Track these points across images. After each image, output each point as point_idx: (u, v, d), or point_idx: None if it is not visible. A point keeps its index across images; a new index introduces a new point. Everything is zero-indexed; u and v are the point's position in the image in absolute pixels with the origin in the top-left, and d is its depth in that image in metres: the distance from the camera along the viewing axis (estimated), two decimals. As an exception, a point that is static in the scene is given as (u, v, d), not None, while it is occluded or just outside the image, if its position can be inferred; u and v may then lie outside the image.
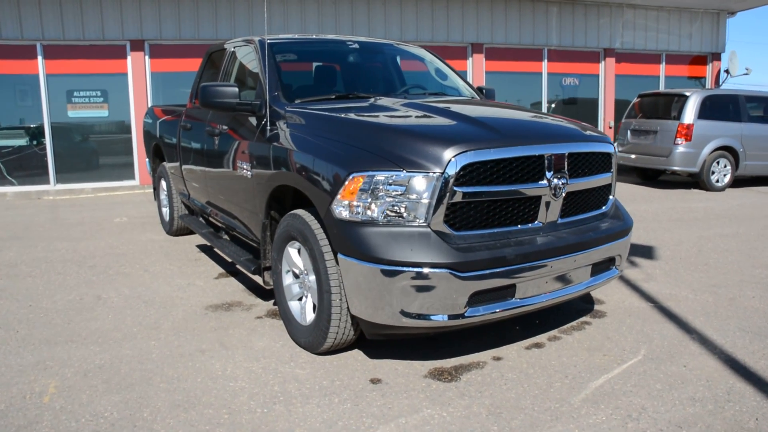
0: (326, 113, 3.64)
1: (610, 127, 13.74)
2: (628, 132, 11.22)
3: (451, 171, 2.86)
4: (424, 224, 2.89)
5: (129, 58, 10.64)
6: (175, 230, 6.41)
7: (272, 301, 4.28)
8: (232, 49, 4.93)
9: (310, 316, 3.38)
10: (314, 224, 3.22)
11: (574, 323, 3.85)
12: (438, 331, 3.22)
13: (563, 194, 3.20)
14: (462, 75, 5.19)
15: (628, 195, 9.72)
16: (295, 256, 3.49)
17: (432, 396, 2.89)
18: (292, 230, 3.38)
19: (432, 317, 2.89)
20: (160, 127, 6.46)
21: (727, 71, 14.46)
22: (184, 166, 5.59)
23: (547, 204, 3.17)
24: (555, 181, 3.13)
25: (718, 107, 10.34)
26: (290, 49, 4.65)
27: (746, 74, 14.47)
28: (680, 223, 7.32)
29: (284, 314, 3.61)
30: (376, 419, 2.67)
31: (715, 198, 9.53)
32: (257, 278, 4.67)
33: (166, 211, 6.61)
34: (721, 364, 3.25)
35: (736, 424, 2.64)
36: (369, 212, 2.93)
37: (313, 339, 3.29)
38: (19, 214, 8.41)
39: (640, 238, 6.33)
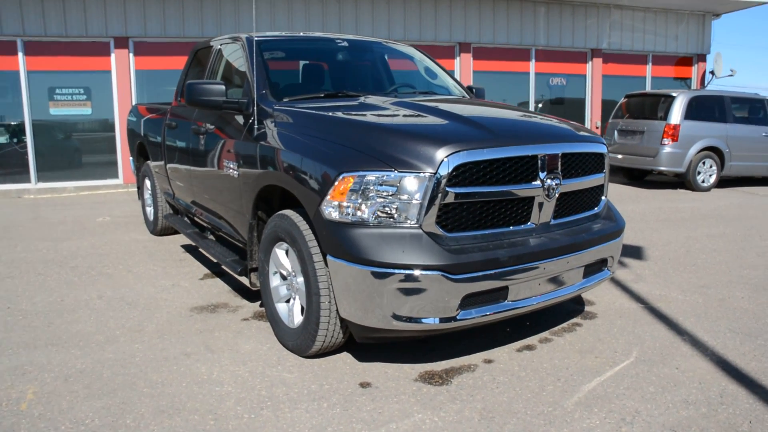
0: (315, 112, 3.57)
1: (597, 127, 13.79)
2: (615, 132, 11.26)
3: (444, 171, 2.80)
4: (416, 225, 2.83)
5: (113, 56, 10.47)
6: (159, 230, 6.30)
7: (259, 302, 4.20)
8: (219, 47, 4.84)
9: (298, 318, 3.31)
10: (303, 225, 3.15)
11: (564, 325, 3.81)
12: (429, 334, 3.17)
13: (556, 195, 3.16)
14: (451, 74, 5.14)
15: (615, 195, 9.74)
16: (282, 257, 3.41)
17: (423, 400, 2.83)
18: (280, 231, 3.30)
19: (423, 320, 2.83)
20: (144, 125, 6.35)
21: (712, 72, 14.57)
22: (168, 165, 5.49)
23: (540, 205, 3.12)
24: (548, 181, 3.09)
25: (705, 108, 10.42)
26: (278, 47, 4.57)
27: (731, 75, 14.60)
28: (668, 223, 7.34)
29: (271, 316, 3.54)
30: (366, 425, 2.61)
31: (701, 198, 9.58)
32: (244, 279, 4.58)
33: (150, 210, 6.50)
34: (713, 365, 3.23)
35: (730, 427, 2.61)
36: (359, 213, 2.86)
37: (301, 342, 3.22)
38: (-1, 213, 8.24)
39: (628, 239, 6.33)
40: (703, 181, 10.38)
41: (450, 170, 2.81)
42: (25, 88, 10.07)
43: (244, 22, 10.94)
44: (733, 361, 3.28)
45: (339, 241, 2.86)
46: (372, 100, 3.98)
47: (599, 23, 13.64)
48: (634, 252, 5.78)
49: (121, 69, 10.51)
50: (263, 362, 3.24)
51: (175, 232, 6.38)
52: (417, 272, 2.75)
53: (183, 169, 5.06)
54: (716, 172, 10.44)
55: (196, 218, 5.30)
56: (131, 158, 7.10)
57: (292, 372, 3.12)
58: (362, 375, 3.09)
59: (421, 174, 2.80)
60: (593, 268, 3.45)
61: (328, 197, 2.92)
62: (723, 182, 11.26)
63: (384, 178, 2.83)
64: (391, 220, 2.84)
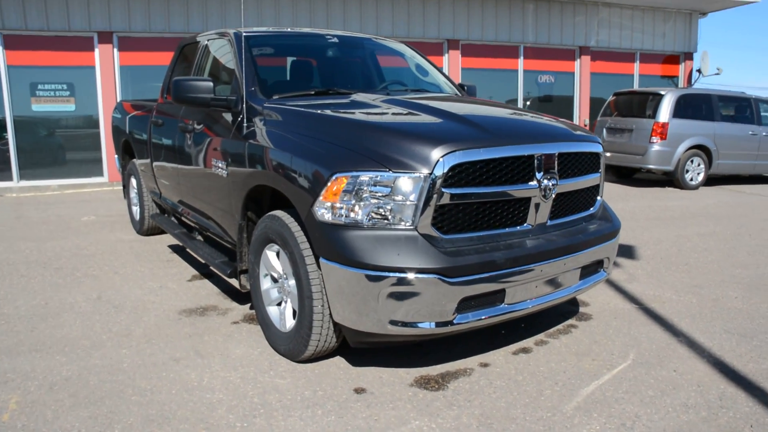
0: (306, 110, 3.49)
1: (586, 125, 13.81)
2: (604, 130, 11.27)
3: (439, 172, 2.73)
4: (411, 227, 2.76)
5: (96, 51, 10.27)
6: (146, 230, 6.18)
7: (249, 304, 4.11)
8: (206, 43, 4.73)
9: (290, 322, 3.24)
10: (294, 227, 3.07)
11: (560, 326, 3.77)
12: (424, 339, 3.10)
13: (553, 195, 3.10)
14: (442, 71, 5.07)
15: (604, 193, 9.73)
16: (273, 259, 3.33)
17: (419, 406, 2.77)
18: (271, 233, 3.22)
19: (419, 325, 2.77)
20: (129, 122, 6.21)
21: (699, 71, 14.66)
22: (155, 164, 5.38)
23: (537, 206, 3.07)
24: (545, 182, 3.04)
25: (693, 106, 10.45)
26: (267, 43, 4.47)
27: (717, 74, 14.70)
28: (658, 221, 7.34)
29: (262, 320, 3.45)
30: (362, 433, 2.55)
31: (690, 196, 9.61)
32: (233, 281, 4.49)
33: (136, 209, 6.37)
34: (711, 368, 3.19)
35: (731, 431, 2.58)
36: (353, 214, 2.79)
37: (293, 346, 3.14)
38: (-20, 212, 8.05)
39: (620, 238, 6.30)
40: (691, 180, 10.42)
41: (446, 170, 2.74)
42: (5, 83, 9.85)
43: (231, 18, 10.79)
44: (731, 362, 3.25)
45: (332, 243, 2.79)
46: (364, 97, 3.89)
47: (587, 21, 13.65)
48: (626, 251, 5.76)
49: (106, 64, 10.31)
50: (255, 367, 3.16)
51: (162, 232, 6.26)
52: (412, 275, 2.68)
53: (170, 167, 4.95)
54: (704, 170, 10.49)
55: (183, 218, 5.19)
56: (116, 156, 6.96)
57: (285, 378, 3.05)
58: (356, 380, 3.02)
59: (416, 174, 2.74)
60: (589, 270, 3.41)
61: (321, 198, 2.84)
62: (710, 180, 11.32)
63: (378, 178, 2.76)
64: (386, 221, 2.77)
